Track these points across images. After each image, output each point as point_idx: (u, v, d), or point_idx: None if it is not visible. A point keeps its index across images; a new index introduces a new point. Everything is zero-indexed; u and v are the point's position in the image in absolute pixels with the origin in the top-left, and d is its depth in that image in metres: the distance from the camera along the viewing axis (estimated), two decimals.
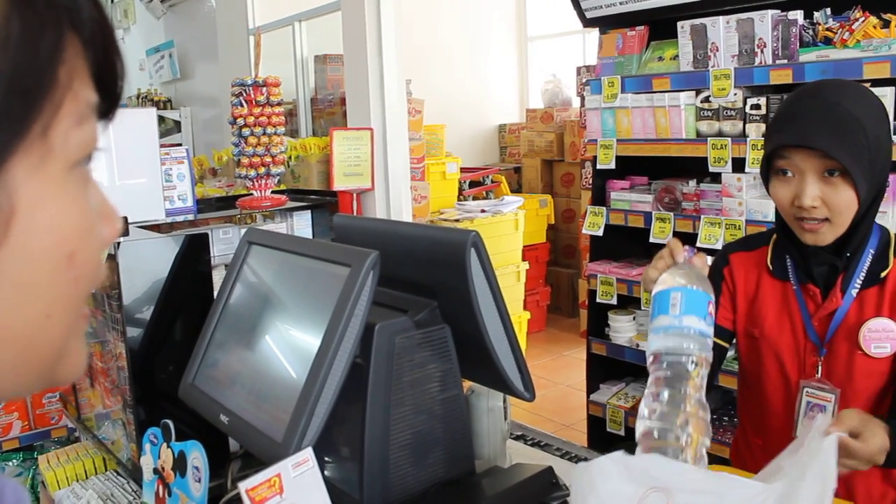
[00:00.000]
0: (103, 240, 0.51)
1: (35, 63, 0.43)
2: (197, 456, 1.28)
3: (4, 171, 0.42)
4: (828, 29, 2.58)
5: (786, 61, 2.66)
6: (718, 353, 1.77)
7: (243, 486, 1.05)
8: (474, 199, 5.93)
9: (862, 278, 1.55)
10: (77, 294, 0.48)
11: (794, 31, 2.64)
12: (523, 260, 5.67)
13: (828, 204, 1.47)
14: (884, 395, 1.56)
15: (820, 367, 1.59)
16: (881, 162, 1.49)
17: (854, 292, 1.55)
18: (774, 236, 1.69)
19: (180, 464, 1.32)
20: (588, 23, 3.38)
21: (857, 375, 1.54)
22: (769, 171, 1.56)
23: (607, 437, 3.37)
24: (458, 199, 5.75)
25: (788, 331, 1.63)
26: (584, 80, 4.71)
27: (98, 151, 0.49)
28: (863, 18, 2.50)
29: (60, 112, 0.44)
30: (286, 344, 1.32)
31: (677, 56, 3.01)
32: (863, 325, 1.53)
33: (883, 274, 1.54)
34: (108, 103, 0.50)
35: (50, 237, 0.45)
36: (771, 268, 1.66)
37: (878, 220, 1.58)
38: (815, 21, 2.64)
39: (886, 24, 2.47)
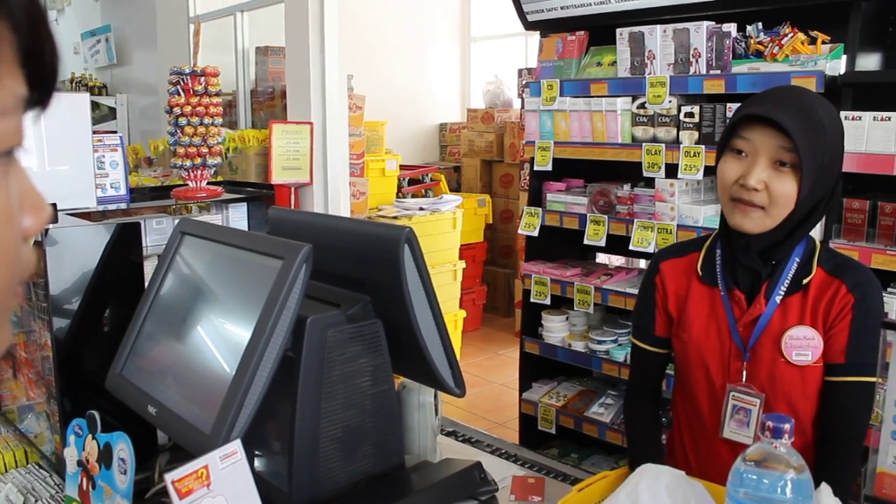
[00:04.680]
0: (25, 231, 0.49)
1: None
2: (123, 448, 1.26)
3: None
4: (759, 42, 2.67)
5: (719, 72, 2.74)
6: (661, 361, 1.81)
7: (169, 477, 1.04)
8: (413, 196, 5.95)
9: (786, 285, 1.58)
10: None
11: (727, 42, 2.72)
12: (460, 259, 5.70)
13: (770, 191, 1.49)
14: (809, 405, 1.59)
15: (744, 372, 1.61)
16: (828, 177, 1.52)
17: (778, 299, 1.58)
18: (707, 243, 1.72)
19: (106, 456, 1.30)
20: (529, 26, 3.42)
21: (779, 381, 1.58)
22: (724, 149, 1.57)
23: (539, 435, 3.42)
24: (397, 197, 5.75)
25: (715, 335, 1.65)
26: (524, 83, 4.77)
27: (24, 146, 0.47)
28: (791, 34, 2.59)
29: None
30: (217, 335, 1.31)
31: (615, 62, 3.07)
32: (785, 333, 1.56)
33: (805, 280, 1.57)
34: (41, 95, 0.48)
35: None
36: (700, 274, 1.69)
37: None
38: (747, 34, 2.72)
39: (813, 41, 2.57)
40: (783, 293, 1.58)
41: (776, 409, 1.58)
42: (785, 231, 1.55)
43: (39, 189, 0.51)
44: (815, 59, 2.51)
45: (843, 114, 2.36)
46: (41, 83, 0.47)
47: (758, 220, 1.53)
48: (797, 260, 1.58)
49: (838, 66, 2.49)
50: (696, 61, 2.79)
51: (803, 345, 1.55)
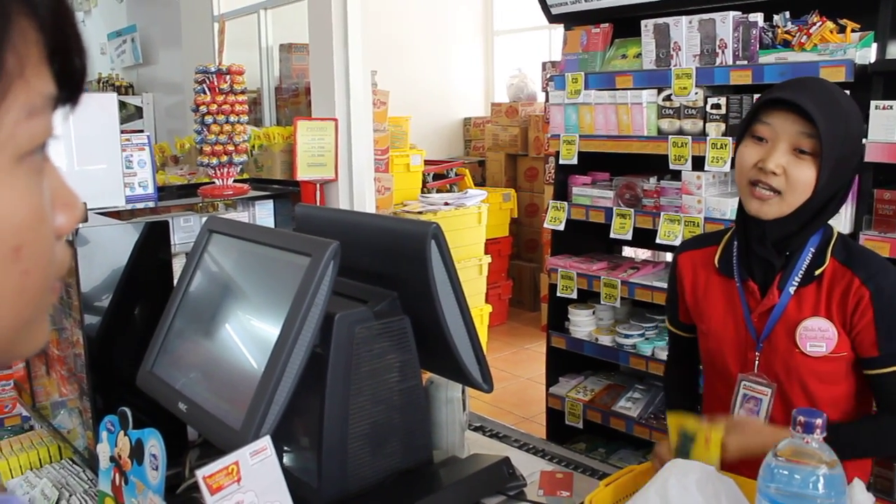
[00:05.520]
0: (58, 230, 0.49)
1: None
2: (154, 444, 1.28)
3: None
4: (786, 32, 2.63)
5: (746, 62, 2.71)
6: (692, 343, 1.83)
7: (201, 473, 1.05)
8: (438, 191, 5.94)
9: (800, 276, 1.58)
10: (29, 285, 0.47)
11: (754, 33, 2.68)
12: (486, 253, 5.69)
13: (788, 177, 1.50)
14: (826, 393, 1.59)
15: (757, 362, 1.62)
16: (846, 169, 1.53)
17: (792, 290, 1.58)
18: (727, 236, 1.72)
19: (137, 452, 1.31)
20: (553, 19, 3.41)
21: (794, 371, 1.58)
22: (744, 135, 1.58)
23: (566, 429, 3.41)
24: (422, 192, 5.75)
25: (732, 326, 1.66)
26: (548, 76, 4.74)
27: (53, 139, 0.47)
28: (820, 23, 2.55)
29: (6, 102, 0.42)
30: (246, 332, 1.32)
31: (640, 54, 3.04)
32: (800, 324, 1.56)
33: (818, 271, 1.57)
34: (70, 92, 0.47)
35: None
36: (717, 266, 1.70)
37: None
38: (774, 24, 2.69)
39: (842, 30, 2.53)
40: (797, 284, 1.58)
41: (792, 398, 1.59)
42: (800, 221, 1.55)
43: (71, 186, 0.51)
44: (844, 48, 2.48)
45: (873, 103, 2.33)
46: (69, 81, 0.47)
47: (774, 206, 1.53)
48: (812, 250, 1.58)
49: (868, 55, 2.45)
50: (723, 52, 2.76)
51: (818, 336, 1.55)
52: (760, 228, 1.57)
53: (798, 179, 1.50)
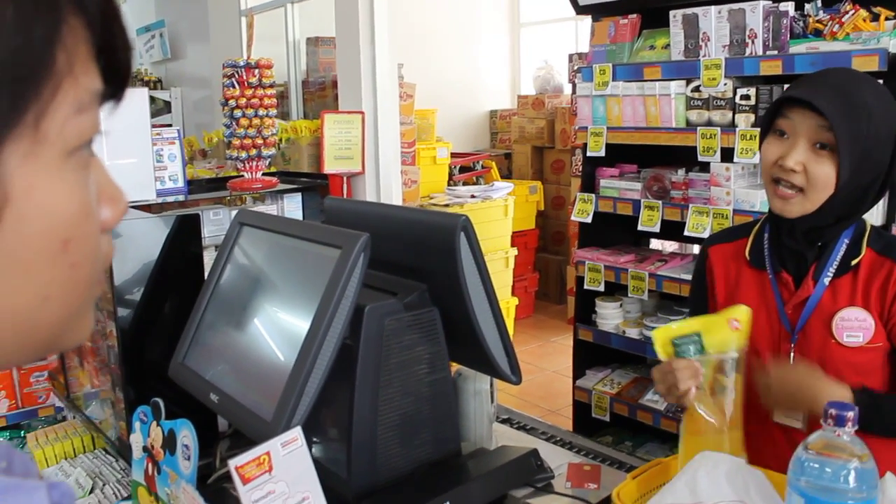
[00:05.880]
0: (104, 223, 0.50)
1: (28, 49, 0.41)
2: (186, 434, 1.29)
3: None
4: (818, 21, 2.60)
5: (776, 52, 2.68)
6: None
7: (233, 463, 1.06)
8: (464, 184, 5.94)
9: (835, 267, 1.57)
10: (77, 277, 0.47)
11: (784, 22, 2.65)
12: (512, 246, 5.69)
13: (808, 173, 1.49)
14: (862, 384, 1.57)
15: (792, 354, 1.61)
16: (874, 162, 1.50)
17: (826, 281, 1.57)
18: (756, 227, 1.71)
19: (170, 442, 1.33)
20: (580, 10, 3.39)
21: (830, 363, 1.56)
22: (767, 130, 1.58)
23: (593, 422, 3.40)
24: (449, 184, 5.75)
25: (765, 318, 1.65)
26: (575, 68, 4.72)
27: (100, 135, 0.48)
28: (853, 11, 2.51)
29: (56, 99, 0.43)
30: (276, 324, 1.33)
31: (668, 45, 3.02)
32: (836, 314, 1.55)
33: (854, 262, 1.55)
34: (115, 88, 0.48)
35: (43, 224, 0.44)
36: (749, 258, 1.69)
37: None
38: (805, 13, 2.65)
39: (876, 18, 2.49)
40: (832, 275, 1.57)
41: None
42: (829, 215, 1.53)
43: (115, 181, 0.52)
44: (877, 37, 2.44)
45: None
46: (115, 77, 0.48)
47: (797, 204, 1.52)
48: (846, 241, 1.57)
49: None
50: (752, 42, 2.73)
51: (854, 326, 1.54)
52: (789, 223, 1.57)
53: (818, 176, 1.49)
